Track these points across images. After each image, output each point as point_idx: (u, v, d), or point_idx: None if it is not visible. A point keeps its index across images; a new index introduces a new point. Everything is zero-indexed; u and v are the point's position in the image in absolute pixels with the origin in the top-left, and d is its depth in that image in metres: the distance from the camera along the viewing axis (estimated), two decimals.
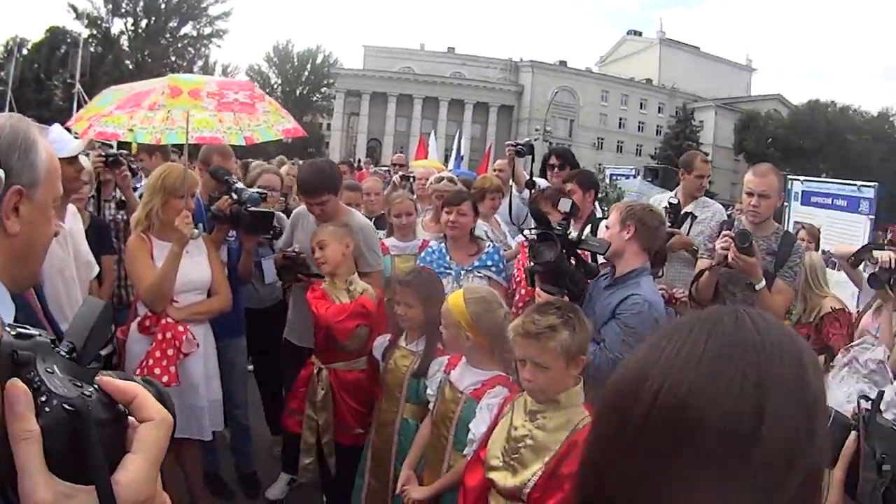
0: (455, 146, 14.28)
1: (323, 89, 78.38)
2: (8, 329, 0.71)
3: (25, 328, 0.73)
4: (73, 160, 3.78)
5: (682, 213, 5.35)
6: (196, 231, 3.97)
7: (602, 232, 3.89)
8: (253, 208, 4.38)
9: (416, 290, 3.76)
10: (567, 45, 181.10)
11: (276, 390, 5.27)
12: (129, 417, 0.75)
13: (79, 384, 0.71)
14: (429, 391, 3.57)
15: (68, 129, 4.61)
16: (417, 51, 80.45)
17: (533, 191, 5.68)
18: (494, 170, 6.99)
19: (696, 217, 5.24)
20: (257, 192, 4.49)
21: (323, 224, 4.29)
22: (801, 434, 0.89)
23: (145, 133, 5.00)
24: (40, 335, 0.73)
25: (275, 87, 74.40)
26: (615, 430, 0.94)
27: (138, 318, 4.03)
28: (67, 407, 0.68)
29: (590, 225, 4.92)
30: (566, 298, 3.33)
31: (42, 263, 1.58)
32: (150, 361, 3.87)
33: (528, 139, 7.03)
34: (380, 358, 3.96)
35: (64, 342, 0.76)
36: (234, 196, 4.38)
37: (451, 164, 12.81)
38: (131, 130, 4.84)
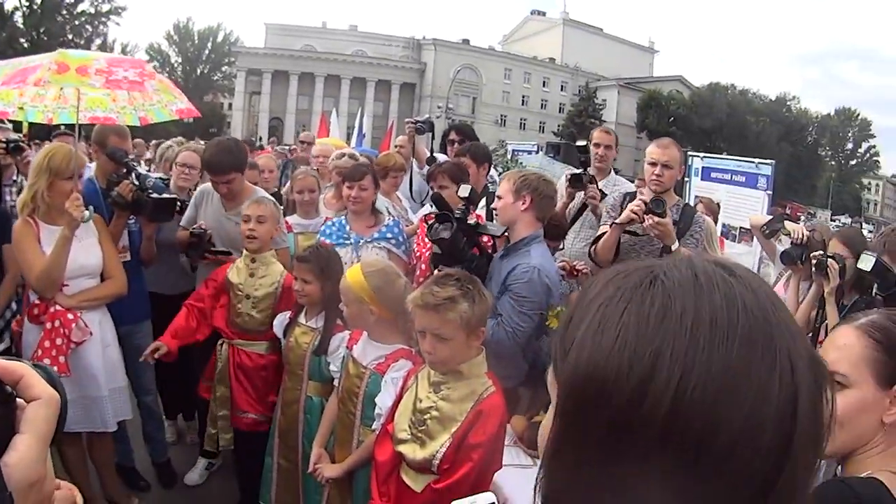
0: (357, 124, 14.24)
1: (224, 68, 76.35)
2: None
3: None
4: None
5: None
6: (87, 213, 3.81)
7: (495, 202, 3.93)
8: (156, 195, 4.27)
9: (313, 265, 3.74)
10: (470, 23, 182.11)
11: (187, 375, 5.11)
12: (18, 399, 0.73)
13: None
14: (332, 367, 3.56)
15: None
16: (319, 29, 79.05)
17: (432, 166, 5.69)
18: (396, 146, 6.99)
19: (605, 195, 5.13)
20: (160, 179, 4.38)
21: (260, 198, 4.30)
22: (820, 430, 0.67)
23: (36, 112, 4.75)
24: None
25: (175, 65, 72.30)
26: (603, 440, 0.66)
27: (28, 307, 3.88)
28: None
29: (485, 198, 4.95)
30: None
31: None
32: (40, 352, 3.71)
33: (427, 116, 7.04)
34: (280, 336, 3.93)
35: None
36: (137, 182, 4.25)
37: (353, 142, 12.71)
38: (22, 109, 4.60)
